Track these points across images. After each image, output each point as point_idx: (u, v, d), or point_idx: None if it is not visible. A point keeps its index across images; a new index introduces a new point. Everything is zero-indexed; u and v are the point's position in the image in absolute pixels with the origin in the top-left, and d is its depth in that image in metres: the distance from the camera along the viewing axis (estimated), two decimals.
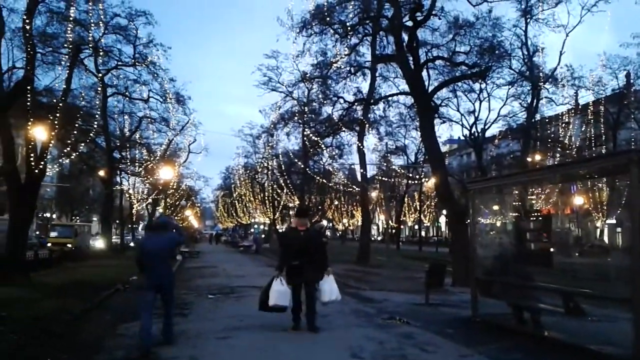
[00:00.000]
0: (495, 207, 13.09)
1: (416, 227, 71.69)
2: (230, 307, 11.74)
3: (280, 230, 46.27)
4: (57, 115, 16.12)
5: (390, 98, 29.45)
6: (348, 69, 26.22)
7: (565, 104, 30.32)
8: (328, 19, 21.94)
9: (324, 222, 60.16)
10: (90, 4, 20.54)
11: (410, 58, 19.41)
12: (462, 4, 20.76)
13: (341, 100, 29.39)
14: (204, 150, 45.75)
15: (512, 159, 36.32)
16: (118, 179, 40.12)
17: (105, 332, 8.75)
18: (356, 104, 29.18)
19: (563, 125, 31.18)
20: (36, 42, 17.57)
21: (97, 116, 28.88)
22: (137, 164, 37.73)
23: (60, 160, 24.36)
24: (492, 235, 12.12)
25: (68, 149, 21.78)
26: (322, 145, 34.62)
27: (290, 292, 8.56)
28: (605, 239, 40.76)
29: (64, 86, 17.64)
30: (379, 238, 73.69)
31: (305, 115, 33.04)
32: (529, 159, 31.08)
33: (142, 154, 38.44)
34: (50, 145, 16.70)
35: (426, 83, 21.86)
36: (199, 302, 12.43)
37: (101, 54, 26.80)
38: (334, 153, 38.14)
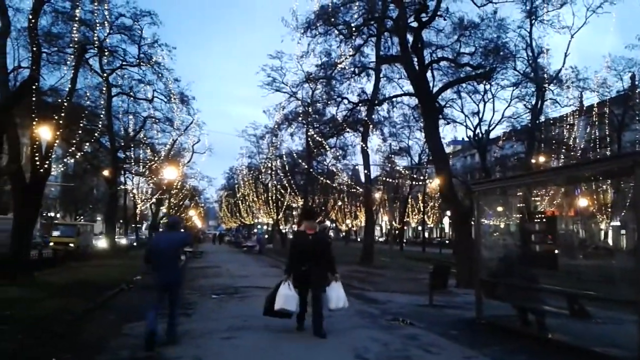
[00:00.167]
0: (500, 209, 13.07)
1: (420, 228, 71.61)
2: (234, 308, 11.74)
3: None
4: (62, 114, 16.21)
5: (394, 99, 29.52)
6: (352, 69, 26.27)
7: (570, 105, 30.35)
8: (333, 19, 21.95)
9: (327, 223, 60.12)
10: (95, 4, 20.64)
11: (415, 59, 19.40)
12: (467, 5, 20.75)
13: (345, 101, 29.47)
14: (208, 150, 45.98)
15: (516, 160, 36.27)
16: (122, 178, 40.24)
17: (110, 332, 8.74)
18: (360, 104, 29.20)
19: (567, 126, 31.16)
20: (42, 41, 17.67)
21: (101, 116, 29.04)
22: (141, 163, 37.83)
23: (65, 160, 24.44)
24: (496, 236, 12.10)
25: (73, 148, 21.88)
26: (326, 146, 34.64)
27: (297, 297, 8.41)
28: (610, 241, 40.67)
29: (69, 86, 17.77)
30: (382, 239, 73.63)
31: (309, 116, 33.03)
32: (533, 161, 31.01)
33: (147, 154, 38.50)
34: (55, 144, 16.77)
35: (430, 84, 21.88)
36: (203, 302, 12.43)
37: (106, 54, 26.91)
38: (337, 154, 38.18)
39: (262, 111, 57.95)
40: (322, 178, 40.43)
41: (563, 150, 30.84)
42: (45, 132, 16.44)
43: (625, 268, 8.53)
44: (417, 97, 21.47)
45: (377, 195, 50.62)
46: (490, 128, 32.93)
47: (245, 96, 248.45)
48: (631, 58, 30.70)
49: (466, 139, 36.86)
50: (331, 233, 70.20)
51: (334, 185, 42.81)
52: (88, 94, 24.64)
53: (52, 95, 22.10)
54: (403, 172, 43.28)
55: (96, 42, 23.05)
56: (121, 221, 51.74)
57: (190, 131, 39.53)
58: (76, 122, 20.45)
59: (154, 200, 47.89)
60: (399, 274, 22.29)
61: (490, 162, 36.77)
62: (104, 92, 30.01)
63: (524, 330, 8.85)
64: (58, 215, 61.98)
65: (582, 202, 36.65)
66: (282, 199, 49.15)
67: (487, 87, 28.42)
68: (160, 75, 31.02)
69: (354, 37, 23.24)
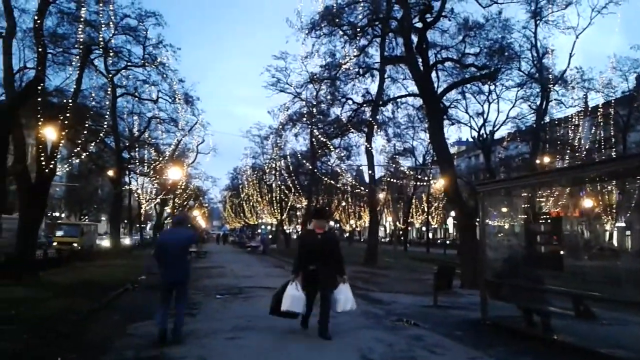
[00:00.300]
0: (505, 210, 13.03)
1: (424, 228, 71.52)
2: (238, 308, 11.75)
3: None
4: (68, 115, 16.25)
5: (399, 99, 29.50)
6: (357, 70, 26.29)
7: (575, 106, 30.25)
8: (337, 20, 21.97)
9: (332, 224, 60.11)
10: (100, 5, 20.73)
11: (420, 59, 19.38)
12: (472, 6, 20.79)
13: (350, 102, 29.54)
14: (212, 150, 46.07)
15: (521, 161, 36.22)
16: (127, 178, 40.32)
17: (114, 332, 8.75)
18: (365, 105, 29.19)
19: (572, 127, 31.04)
20: (47, 42, 17.73)
21: (106, 116, 29.20)
22: (145, 164, 37.94)
23: (70, 160, 24.50)
24: (501, 237, 12.07)
25: (78, 148, 21.95)
26: (330, 147, 34.66)
27: (304, 298, 8.26)
28: (615, 242, 40.53)
29: (75, 86, 17.80)
30: (386, 239, 73.58)
31: (314, 117, 33.07)
32: (537, 162, 30.93)
33: (151, 154, 38.63)
34: (60, 145, 16.81)
35: (435, 85, 21.85)
36: (207, 303, 12.44)
37: (111, 54, 26.95)
38: (342, 154, 38.21)
39: (266, 112, 58.05)
40: (326, 178, 40.43)
41: (568, 151, 30.78)
42: (50, 133, 16.51)
43: (631, 269, 8.51)
44: (421, 98, 21.47)
45: (381, 195, 50.51)
46: (495, 129, 33.00)
47: (249, 97, 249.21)
48: (636, 59, 30.68)
49: (470, 139, 36.76)
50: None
51: (338, 185, 42.82)
52: (93, 95, 24.69)
53: (58, 96, 22.14)
54: (407, 172, 43.18)
55: (101, 43, 23.11)
56: (125, 221, 51.79)
57: (194, 131, 39.76)
58: (81, 122, 20.52)
59: (158, 200, 47.99)
60: (403, 275, 22.27)
61: (494, 162, 36.74)
62: (109, 92, 30.16)
63: (529, 331, 8.83)
64: (63, 215, 62.20)
65: (587, 203, 36.55)
66: (286, 200, 49.22)
67: (492, 87, 28.46)
68: (164, 75, 31.19)
69: (358, 38, 23.25)
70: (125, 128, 36.43)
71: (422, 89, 19.61)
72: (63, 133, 16.56)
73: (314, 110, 32.92)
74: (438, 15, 19.59)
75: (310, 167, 38.01)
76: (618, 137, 33.76)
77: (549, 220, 10.20)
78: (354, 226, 73.36)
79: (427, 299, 13.18)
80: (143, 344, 7.70)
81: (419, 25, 19.56)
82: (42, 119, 15.52)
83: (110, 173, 35.35)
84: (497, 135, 34.45)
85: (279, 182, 49.14)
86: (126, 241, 44.75)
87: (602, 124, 32.16)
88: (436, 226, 74.58)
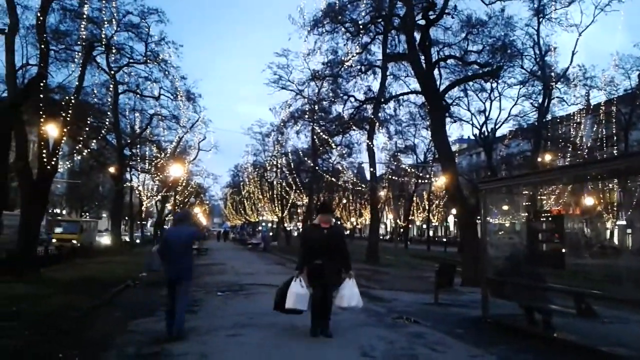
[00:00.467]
0: (506, 207, 13.05)
1: (424, 226, 71.52)
2: (239, 305, 11.75)
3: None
4: (70, 112, 16.25)
5: (401, 97, 29.44)
6: (359, 67, 26.26)
7: (577, 104, 30.25)
8: (340, 17, 21.97)
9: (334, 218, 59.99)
10: (103, 1, 20.72)
11: (422, 57, 19.35)
12: (475, 3, 20.71)
13: (352, 99, 29.49)
14: (214, 148, 46.03)
15: (523, 159, 36.20)
16: (128, 175, 40.35)
17: (115, 328, 8.76)
18: (367, 102, 29.15)
19: (574, 125, 31.02)
20: (49, 39, 17.72)
21: (108, 113, 29.20)
22: (147, 161, 37.96)
23: (72, 157, 24.52)
24: (503, 235, 12.08)
25: (79, 145, 21.98)
26: (332, 144, 34.64)
27: (309, 295, 8.03)
28: (616, 240, 40.57)
29: (77, 83, 17.83)
30: (387, 237, 73.60)
31: (316, 114, 33.05)
32: (539, 159, 30.91)
33: (152, 151, 38.66)
34: (62, 141, 16.82)
35: (437, 82, 21.83)
36: (208, 300, 12.45)
37: (113, 51, 26.98)
38: (343, 151, 38.20)
39: (268, 109, 57.89)
40: (327, 176, 40.44)
41: (569, 149, 30.76)
42: (52, 129, 16.53)
43: (632, 267, 8.52)
44: (423, 95, 21.43)
45: (382, 193, 50.52)
46: (497, 126, 33.00)
47: (251, 95, 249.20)
48: (639, 57, 30.58)
49: (472, 137, 36.79)
50: None
51: (339, 183, 42.78)
52: (95, 92, 24.81)
53: (60, 93, 22.13)
54: (408, 170, 43.16)
55: (104, 40, 23.13)
56: (126, 218, 51.83)
57: (196, 129, 39.65)
58: (83, 119, 20.57)
59: (159, 197, 48.01)
60: (404, 272, 22.28)
61: (496, 160, 36.70)
62: (111, 89, 30.15)
63: (530, 329, 8.83)
64: (64, 212, 62.21)
65: (589, 201, 36.58)
66: (287, 197, 49.24)
67: (494, 85, 28.44)
68: (166, 72, 31.21)
69: (360, 35, 23.23)
70: (127, 125, 36.52)
71: (425, 87, 19.58)
72: (65, 130, 16.58)
73: (316, 107, 32.91)
74: (441, 12, 19.55)
75: (312, 164, 37.99)
76: (620, 135, 33.76)
77: (550, 218, 10.21)
78: (354, 223, 73.36)
79: (428, 296, 13.17)
80: (144, 341, 7.71)
81: (422, 22, 19.52)
82: (44, 116, 15.53)
83: (112, 170, 35.39)
84: (498, 133, 34.50)
85: (280, 180, 49.15)
86: (127, 238, 44.78)
87: (604, 122, 32.14)
88: (437, 224, 74.58)
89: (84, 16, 18.48)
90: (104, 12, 21.26)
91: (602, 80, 29.19)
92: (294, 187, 45.31)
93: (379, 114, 30.27)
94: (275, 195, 50.84)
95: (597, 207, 37.90)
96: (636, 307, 7.22)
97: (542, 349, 7.78)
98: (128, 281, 15.26)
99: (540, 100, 29.58)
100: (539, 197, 26.33)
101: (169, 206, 54.73)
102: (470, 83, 26.53)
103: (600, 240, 38.66)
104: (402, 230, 57.68)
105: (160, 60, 30.03)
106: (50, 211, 53.56)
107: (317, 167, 38.89)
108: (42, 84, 15.52)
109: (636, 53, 30.82)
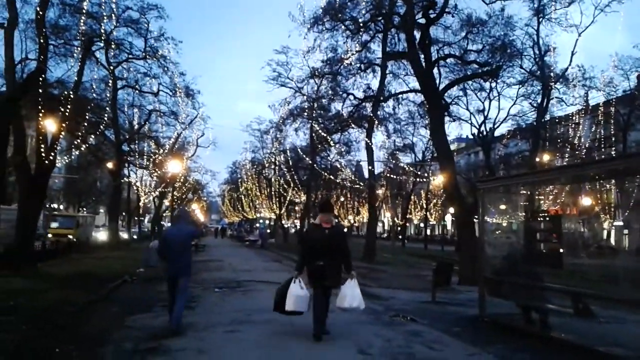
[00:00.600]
0: (504, 207, 13.07)
1: (422, 225, 71.59)
2: (236, 301, 11.76)
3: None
4: (68, 107, 16.21)
5: (400, 95, 29.41)
6: (358, 65, 26.21)
7: (576, 104, 30.23)
8: (339, 15, 21.92)
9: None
10: None
11: (422, 56, 19.35)
12: (475, 2, 20.65)
13: (351, 97, 29.46)
14: (212, 144, 45.88)
15: (521, 158, 36.21)
16: (126, 171, 40.27)
17: (112, 324, 8.77)
18: (366, 100, 29.12)
19: (573, 125, 31.05)
20: (49, 34, 17.69)
21: (107, 109, 29.10)
22: (145, 156, 37.87)
23: (70, 152, 24.46)
24: (500, 234, 12.10)
25: (78, 140, 21.92)
26: (330, 142, 34.61)
27: (309, 296, 7.85)
28: (612, 240, 40.69)
29: (76, 78, 17.79)
30: (385, 235, 73.65)
31: (314, 111, 33.00)
32: (537, 159, 30.95)
33: (151, 147, 38.57)
34: (61, 136, 16.79)
35: (437, 81, 21.82)
36: (206, 296, 12.46)
37: (112, 46, 26.90)
38: (341, 149, 38.17)
39: (267, 106, 57.64)
40: (325, 173, 40.41)
41: (568, 149, 30.79)
42: (50, 124, 16.50)
43: (629, 267, 8.54)
44: (423, 94, 21.42)
45: (380, 191, 50.58)
46: (495, 126, 33.03)
47: (250, 93, 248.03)
48: (638, 57, 30.58)
49: (471, 136, 36.74)
50: None
51: (337, 180, 42.75)
52: (94, 87, 24.65)
53: (59, 88, 22.08)
54: (407, 168, 43.16)
55: (103, 35, 23.07)
56: (124, 214, 51.77)
57: (194, 125, 39.56)
58: (82, 114, 20.50)
59: (157, 193, 47.94)
60: (402, 271, 22.31)
61: (494, 160, 36.74)
62: (109, 84, 30.06)
63: (527, 328, 8.84)
64: (62, 207, 62.13)
65: (586, 201, 36.64)
66: (285, 194, 49.16)
67: (493, 84, 28.43)
68: (166, 68, 31.06)
69: (360, 33, 23.18)
70: (126, 120, 36.36)
71: (424, 85, 19.59)
72: (63, 125, 16.54)
73: (315, 105, 32.87)
74: (441, 11, 19.56)
75: (310, 161, 37.96)
76: (618, 135, 33.76)
77: (548, 218, 10.22)
78: (352, 222, 73.38)
79: (425, 295, 13.20)
80: (141, 336, 7.72)
81: (422, 21, 19.53)
82: (42, 111, 15.49)
83: (110, 165, 35.29)
84: (497, 133, 34.51)
85: (278, 177, 49.10)
86: (124, 234, 44.69)
87: (602, 122, 32.16)
88: (434, 223, 74.66)
89: (84, 11, 18.43)
90: (103, 7, 21.22)
91: (601, 81, 29.22)
92: (292, 185, 45.29)
93: (378, 112, 30.25)
94: (273, 193, 50.77)
95: (594, 207, 37.97)
96: (633, 307, 7.24)
97: (539, 348, 7.80)
98: (125, 277, 15.27)
99: (539, 100, 29.59)
100: (536, 197, 26.37)
101: (166, 202, 54.62)
102: (470, 82, 26.51)
103: (597, 241, 38.76)
104: (399, 228, 57.71)
105: (159, 56, 29.94)
106: (47, 206, 53.49)
107: (315, 165, 38.82)
108: (41, 79, 15.47)
109: (635, 54, 30.82)
